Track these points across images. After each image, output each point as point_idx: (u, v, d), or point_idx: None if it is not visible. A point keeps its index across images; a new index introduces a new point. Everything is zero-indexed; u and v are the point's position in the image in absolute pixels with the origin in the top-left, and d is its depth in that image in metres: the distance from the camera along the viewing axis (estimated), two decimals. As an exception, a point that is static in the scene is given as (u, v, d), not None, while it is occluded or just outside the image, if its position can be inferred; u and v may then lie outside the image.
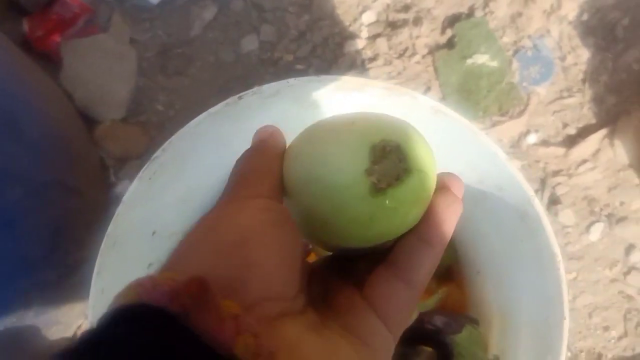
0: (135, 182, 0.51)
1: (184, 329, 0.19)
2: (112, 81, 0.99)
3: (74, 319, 0.91)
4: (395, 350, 0.58)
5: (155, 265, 0.60)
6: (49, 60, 0.99)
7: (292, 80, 0.51)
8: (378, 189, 0.25)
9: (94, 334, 0.19)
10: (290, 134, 0.62)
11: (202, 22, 1.04)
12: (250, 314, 0.21)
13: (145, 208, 0.55)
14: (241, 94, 0.51)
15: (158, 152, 0.51)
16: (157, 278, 0.20)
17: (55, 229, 0.75)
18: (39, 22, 0.98)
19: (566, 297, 0.50)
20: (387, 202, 0.26)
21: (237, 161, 0.32)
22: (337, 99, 0.54)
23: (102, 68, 0.99)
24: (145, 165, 0.51)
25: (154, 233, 0.59)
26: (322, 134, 0.29)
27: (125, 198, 0.51)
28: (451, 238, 0.69)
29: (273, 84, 0.51)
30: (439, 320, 0.62)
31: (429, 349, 0.59)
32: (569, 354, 1.00)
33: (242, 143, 0.60)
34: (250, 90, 0.51)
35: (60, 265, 0.76)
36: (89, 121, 0.98)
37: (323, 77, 0.52)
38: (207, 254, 0.23)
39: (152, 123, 1.01)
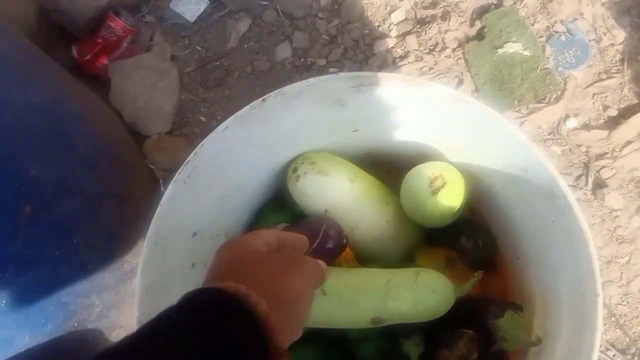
0: (171, 186, 0.55)
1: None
2: (156, 97, 1.05)
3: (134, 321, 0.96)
4: (438, 333, 0.60)
5: (199, 266, 0.63)
6: (98, 82, 1.06)
7: (312, 80, 0.54)
8: None
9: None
10: (317, 134, 0.64)
11: (237, 34, 1.09)
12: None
13: (185, 210, 0.58)
14: (264, 96, 0.54)
15: (190, 156, 0.55)
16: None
17: (110, 237, 0.80)
18: (87, 46, 1.05)
19: (598, 273, 0.50)
20: None
21: None
22: (358, 95, 0.56)
23: (147, 85, 1.05)
24: (180, 169, 0.54)
25: (195, 234, 0.62)
26: None
27: (162, 201, 0.54)
28: (491, 230, 0.70)
29: (294, 84, 0.54)
30: (480, 307, 0.63)
31: (471, 332, 0.60)
32: (627, 339, 0.98)
33: (272, 144, 0.63)
34: (273, 92, 0.54)
35: (116, 271, 0.81)
36: (137, 136, 1.04)
37: (342, 74, 0.54)
38: (277, 291, 0.37)
39: (196, 134, 1.06)
